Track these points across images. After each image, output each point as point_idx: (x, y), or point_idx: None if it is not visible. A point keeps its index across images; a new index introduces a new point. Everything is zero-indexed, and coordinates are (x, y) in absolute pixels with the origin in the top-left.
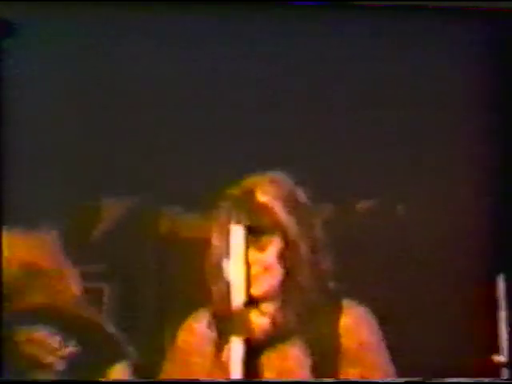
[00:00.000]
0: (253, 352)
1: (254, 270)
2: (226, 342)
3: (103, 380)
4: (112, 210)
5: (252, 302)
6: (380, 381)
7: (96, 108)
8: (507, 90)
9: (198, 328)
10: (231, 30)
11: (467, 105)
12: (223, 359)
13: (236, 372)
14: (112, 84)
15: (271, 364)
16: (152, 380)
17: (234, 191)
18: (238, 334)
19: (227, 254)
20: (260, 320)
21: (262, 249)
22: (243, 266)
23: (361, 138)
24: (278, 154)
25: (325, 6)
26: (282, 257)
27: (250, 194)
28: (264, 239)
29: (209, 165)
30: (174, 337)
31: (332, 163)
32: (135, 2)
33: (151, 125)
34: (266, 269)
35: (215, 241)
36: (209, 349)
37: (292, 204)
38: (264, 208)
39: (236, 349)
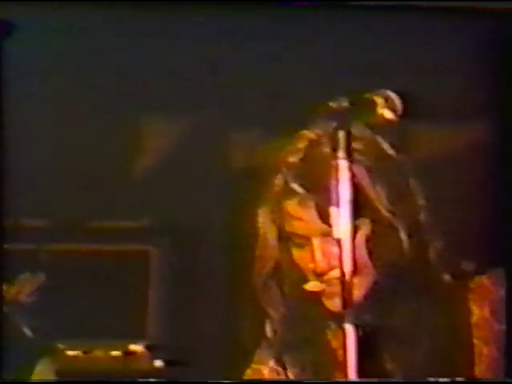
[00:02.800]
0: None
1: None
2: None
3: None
4: (158, 134)
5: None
6: (379, 381)
7: (95, 107)
8: (507, 90)
9: None
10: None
11: (467, 105)
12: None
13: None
14: (113, 83)
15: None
16: (151, 380)
17: (342, 103)
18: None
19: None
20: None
21: None
22: (352, 223)
23: None
24: None
25: (324, 6)
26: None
27: (371, 106)
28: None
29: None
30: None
31: None
32: (135, 2)
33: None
34: None
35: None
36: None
37: None
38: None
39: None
